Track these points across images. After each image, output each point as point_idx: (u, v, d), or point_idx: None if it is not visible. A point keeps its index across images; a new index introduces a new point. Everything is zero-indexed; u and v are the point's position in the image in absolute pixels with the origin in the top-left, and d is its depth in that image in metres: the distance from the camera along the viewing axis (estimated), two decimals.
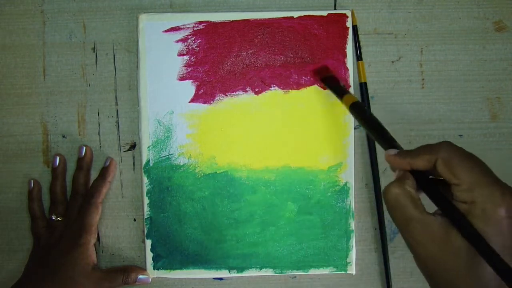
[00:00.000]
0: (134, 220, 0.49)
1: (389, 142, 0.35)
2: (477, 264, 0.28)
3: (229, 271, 0.48)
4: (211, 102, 0.47)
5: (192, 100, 0.47)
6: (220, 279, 0.49)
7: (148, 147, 0.47)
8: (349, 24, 0.47)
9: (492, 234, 0.27)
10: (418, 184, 0.32)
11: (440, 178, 0.31)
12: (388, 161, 0.33)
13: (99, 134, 0.49)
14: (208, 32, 0.47)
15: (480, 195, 0.28)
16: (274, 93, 0.47)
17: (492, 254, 0.26)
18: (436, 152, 0.30)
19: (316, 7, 0.49)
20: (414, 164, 0.31)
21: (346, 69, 0.47)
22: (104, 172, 0.47)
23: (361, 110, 0.40)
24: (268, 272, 0.48)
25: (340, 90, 0.44)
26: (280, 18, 0.47)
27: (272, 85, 0.47)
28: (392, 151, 0.33)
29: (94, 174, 0.49)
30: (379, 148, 0.49)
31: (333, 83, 0.46)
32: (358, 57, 0.48)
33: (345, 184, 0.48)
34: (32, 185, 0.47)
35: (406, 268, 0.50)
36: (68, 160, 0.49)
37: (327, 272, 0.48)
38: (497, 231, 0.27)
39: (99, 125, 0.49)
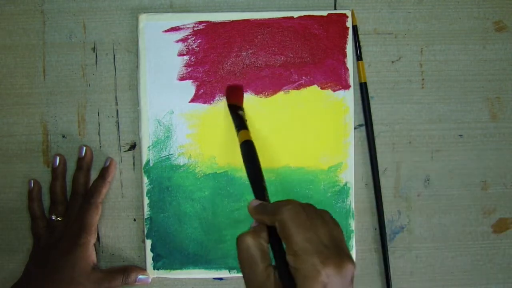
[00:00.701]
0: (134, 220, 0.49)
1: (260, 192, 0.37)
2: None
3: (229, 271, 0.48)
4: (211, 102, 0.47)
5: (192, 100, 0.47)
6: (220, 279, 0.49)
7: (148, 147, 0.47)
8: (349, 24, 0.47)
9: None
10: (269, 236, 0.33)
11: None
12: (249, 212, 0.35)
13: (99, 134, 0.49)
14: (208, 32, 0.47)
15: (303, 263, 0.29)
16: (274, 93, 0.47)
17: None
18: (277, 213, 0.32)
19: (316, 7, 0.49)
20: (263, 221, 0.33)
21: (346, 69, 0.47)
22: (104, 172, 0.47)
23: (250, 151, 0.40)
24: None
25: (239, 122, 0.44)
26: (280, 18, 0.47)
27: (272, 85, 0.47)
28: (254, 202, 0.35)
29: (94, 174, 0.49)
30: (379, 148, 0.49)
31: (236, 111, 0.45)
32: (358, 57, 0.48)
33: (345, 184, 0.48)
34: (32, 185, 0.47)
35: (406, 268, 0.50)
36: (68, 160, 0.49)
37: None
38: None
39: (99, 125, 0.49)
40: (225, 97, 0.47)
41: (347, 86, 0.47)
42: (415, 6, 0.49)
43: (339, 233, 0.32)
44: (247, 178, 0.47)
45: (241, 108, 0.47)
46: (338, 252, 0.30)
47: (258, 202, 0.36)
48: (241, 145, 0.41)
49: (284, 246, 0.32)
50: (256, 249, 0.32)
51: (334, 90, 0.47)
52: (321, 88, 0.47)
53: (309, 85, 0.47)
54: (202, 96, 0.47)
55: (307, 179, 0.48)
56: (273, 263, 0.32)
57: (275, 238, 0.33)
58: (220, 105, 0.47)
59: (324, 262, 0.29)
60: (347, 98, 0.47)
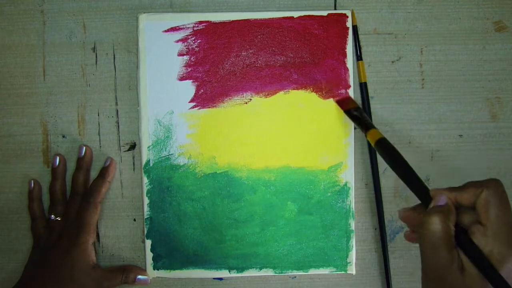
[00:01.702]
0: (134, 220, 0.49)
1: (423, 188, 0.35)
2: None
3: (229, 271, 0.48)
4: (211, 102, 0.47)
5: (192, 100, 0.47)
6: (220, 279, 0.49)
7: (148, 147, 0.47)
8: (349, 24, 0.47)
9: (509, 276, 0.29)
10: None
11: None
12: (436, 193, 0.34)
13: (99, 134, 0.49)
14: (208, 32, 0.47)
15: (500, 246, 0.29)
16: (274, 93, 0.47)
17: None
18: (486, 186, 0.31)
19: (316, 7, 0.49)
20: (460, 197, 0.32)
21: (346, 69, 0.47)
22: (103, 172, 0.47)
23: (388, 147, 0.38)
24: (268, 272, 0.48)
25: (364, 123, 0.43)
26: (280, 18, 0.47)
27: (272, 85, 0.47)
28: (440, 190, 0.34)
29: (94, 174, 0.49)
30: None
31: (355, 114, 0.45)
32: (358, 57, 0.48)
33: (345, 184, 0.48)
34: (32, 185, 0.47)
35: (406, 268, 0.50)
36: (68, 160, 0.49)
37: (327, 272, 0.48)
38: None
39: (99, 125, 0.49)
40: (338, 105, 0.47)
41: (347, 86, 0.47)
42: (415, 6, 0.49)
43: None
44: (247, 178, 0.47)
45: (356, 108, 0.45)
46: None
47: (441, 189, 0.34)
48: (376, 144, 0.39)
49: (478, 221, 0.31)
50: (443, 232, 0.31)
51: (334, 90, 0.47)
52: (321, 88, 0.47)
53: (309, 85, 0.47)
54: (202, 96, 0.47)
55: (307, 179, 0.48)
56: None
57: (463, 235, 0.32)
58: (220, 105, 0.47)
59: None
60: None
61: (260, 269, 0.48)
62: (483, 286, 0.30)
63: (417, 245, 0.50)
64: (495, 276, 0.29)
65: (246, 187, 0.47)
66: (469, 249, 0.31)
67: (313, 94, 0.47)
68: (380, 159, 0.49)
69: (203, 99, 0.47)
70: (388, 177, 0.49)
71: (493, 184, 0.32)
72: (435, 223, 0.32)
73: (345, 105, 0.47)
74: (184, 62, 0.47)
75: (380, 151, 0.39)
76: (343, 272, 0.48)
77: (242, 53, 0.47)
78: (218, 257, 0.48)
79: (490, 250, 0.30)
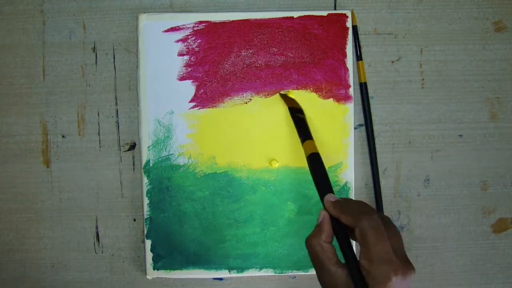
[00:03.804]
0: (134, 220, 0.49)
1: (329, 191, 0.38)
2: None
3: (229, 271, 0.48)
4: (211, 102, 0.47)
5: (192, 100, 0.47)
6: (220, 279, 0.49)
7: (148, 147, 0.47)
8: (349, 24, 0.47)
9: None
10: (337, 233, 0.35)
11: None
12: (326, 205, 0.37)
13: (99, 134, 0.49)
14: (208, 32, 0.47)
15: (377, 269, 0.32)
16: (274, 93, 0.47)
17: None
18: (360, 221, 0.34)
19: (316, 7, 0.49)
20: (340, 217, 0.35)
21: (346, 69, 0.47)
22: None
23: (318, 165, 0.40)
24: (268, 272, 0.48)
25: (303, 130, 0.44)
26: (280, 18, 0.47)
27: (272, 85, 0.47)
28: (332, 198, 0.37)
29: (92, 173, 0.48)
30: (379, 148, 0.49)
31: (299, 118, 0.45)
32: (358, 57, 0.48)
33: (345, 184, 0.48)
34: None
35: None
36: (68, 160, 0.49)
37: None
38: None
39: (99, 125, 0.49)
40: (283, 101, 0.47)
41: (347, 86, 0.47)
42: (415, 6, 0.49)
43: (401, 241, 0.35)
44: (247, 178, 0.47)
45: (301, 111, 0.46)
46: (405, 261, 0.33)
47: (335, 197, 0.37)
48: (308, 157, 0.41)
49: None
50: (321, 251, 0.35)
51: (334, 90, 0.47)
52: (321, 88, 0.47)
53: (309, 85, 0.47)
54: (202, 96, 0.47)
55: (307, 179, 0.48)
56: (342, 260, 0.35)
57: (345, 237, 0.35)
58: (220, 105, 0.47)
59: (395, 271, 0.32)
60: (347, 98, 0.47)
61: (260, 269, 0.48)
62: None
63: (417, 244, 0.50)
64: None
65: (246, 187, 0.47)
66: (350, 267, 0.34)
67: (313, 94, 0.47)
68: (380, 159, 0.49)
69: (203, 99, 0.47)
70: (388, 177, 0.49)
71: (368, 218, 0.34)
72: (312, 246, 0.35)
73: (290, 102, 0.47)
74: (184, 62, 0.47)
75: (309, 164, 0.41)
76: None
77: (242, 53, 0.47)
78: (218, 257, 0.48)
79: (371, 271, 0.32)
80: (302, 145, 0.43)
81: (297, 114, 0.46)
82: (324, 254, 0.35)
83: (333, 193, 0.38)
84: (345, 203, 0.36)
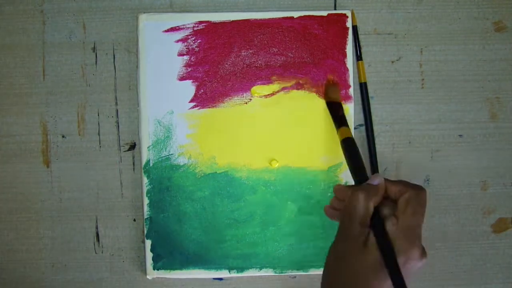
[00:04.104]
0: (134, 220, 0.49)
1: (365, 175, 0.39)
2: (381, 279, 0.33)
3: (229, 271, 0.48)
4: (211, 102, 0.47)
5: (192, 100, 0.47)
6: (220, 279, 0.49)
7: (148, 147, 0.47)
8: (349, 24, 0.47)
9: (400, 264, 0.33)
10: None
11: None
12: (373, 178, 0.38)
13: (99, 134, 0.49)
14: (208, 32, 0.47)
15: (403, 239, 0.34)
16: (274, 93, 0.47)
17: (397, 271, 0.33)
18: (412, 188, 0.35)
19: (316, 7, 0.49)
20: (390, 189, 0.36)
21: (346, 69, 0.47)
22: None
23: (352, 145, 0.42)
24: (268, 272, 0.48)
25: (339, 119, 0.45)
26: (280, 18, 0.47)
27: (271, 85, 0.47)
28: (380, 176, 0.38)
29: (92, 173, 0.49)
30: (379, 148, 0.49)
31: (335, 109, 0.46)
32: (358, 57, 0.48)
33: (345, 184, 0.48)
34: None
35: None
36: (68, 160, 0.49)
37: None
38: (404, 264, 0.33)
39: (99, 125, 0.49)
40: (324, 94, 0.47)
41: (347, 86, 0.47)
42: (415, 6, 0.49)
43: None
44: (247, 178, 0.47)
45: (340, 105, 0.47)
46: (423, 246, 0.34)
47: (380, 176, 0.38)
48: (342, 141, 0.42)
49: (393, 213, 0.35)
50: (363, 209, 0.35)
51: None
52: (321, 88, 0.47)
53: (309, 85, 0.47)
54: (202, 96, 0.47)
55: (307, 179, 0.48)
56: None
57: (378, 210, 0.36)
58: (220, 105, 0.47)
59: (418, 247, 0.34)
60: (347, 98, 0.47)
61: (260, 269, 0.48)
62: (377, 263, 0.33)
63: None
64: (391, 259, 0.33)
65: (246, 187, 0.47)
66: (379, 231, 0.34)
67: (313, 94, 0.47)
68: (380, 159, 0.49)
69: (203, 99, 0.47)
70: (388, 177, 0.49)
71: (418, 190, 0.36)
72: (358, 199, 0.35)
73: (331, 95, 0.47)
74: (184, 62, 0.47)
75: (343, 148, 0.42)
76: None
77: (242, 53, 0.47)
78: (218, 257, 0.48)
79: (395, 239, 0.34)
80: (337, 131, 0.44)
81: (335, 106, 0.46)
82: (364, 213, 0.35)
83: (367, 175, 0.39)
84: (391, 180, 0.37)
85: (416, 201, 0.35)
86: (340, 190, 0.39)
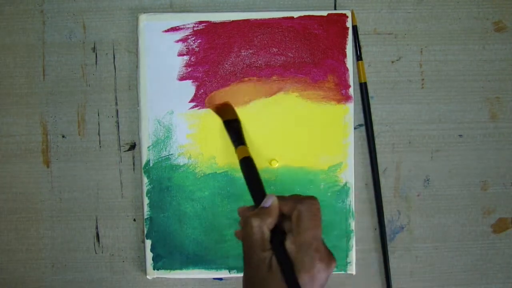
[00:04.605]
0: (134, 220, 0.49)
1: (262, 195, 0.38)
2: None
3: (229, 271, 0.48)
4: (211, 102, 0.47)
5: (192, 100, 0.47)
6: (220, 279, 0.49)
7: (148, 147, 0.47)
8: (349, 24, 0.47)
9: (305, 283, 0.33)
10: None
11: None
12: (265, 200, 0.37)
13: (99, 134, 0.49)
14: (208, 32, 0.47)
15: (304, 255, 0.33)
16: (274, 93, 0.47)
17: None
18: (301, 203, 0.35)
19: (316, 7, 0.49)
20: (282, 207, 0.36)
21: (346, 69, 0.47)
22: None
23: (250, 165, 0.41)
24: None
25: (236, 138, 0.44)
26: (280, 18, 0.47)
27: (271, 85, 0.47)
28: (272, 196, 0.37)
29: (92, 173, 0.49)
30: (379, 148, 0.49)
31: (234, 127, 0.45)
32: (358, 57, 0.48)
33: (345, 184, 0.48)
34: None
35: (406, 268, 0.50)
36: (68, 160, 0.49)
37: None
38: (310, 285, 0.33)
39: (99, 125, 0.49)
40: (217, 115, 0.47)
41: (347, 86, 0.47)
42: (415, 6, 0.49)
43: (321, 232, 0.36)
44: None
45: (237, 121, 0.46)
46: (328, 252, 0.35)
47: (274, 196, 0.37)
48: (241, 161, 0.41)
49: (289, 230, 0.35)
50: (258, 234, 0.35)
51: (334, 90, 0.47)
52: (321, 88, 0.47)
53: (309, 85, 0.47)
54: (202, 96, 0.47)
55: (307, 179, 0.48)
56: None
57: (278, 228, 0.36)
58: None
59: (321, 259, 0.33)
60: (347, 98, 0.47)
61: None
62: (282, 286, 0.33)
63: (418, 244, 0.50)
64: (292, 281, 0.33)
65: (246, 187, 0.47)
66: (278, 252, 0.34)
67: (313, 94, 0.47)
68: (380, 159, 0.49)
69: (203, 99, 0.47)
70: (388, 177, 0.49)
71: (309, 202, 0.35)
72: (252, 226, 0.35)
73: (225, 114, 0.46)
74: (184, 62, 0.47)
75: (242, 168, 0.41)
76: (343, 272, 0.48)
77: (242, 53, 0.47)
78: (218, 257, 0.48)
79: (296, 257, 0.33)
80: (236, 150, 0.43)
81: (231, 123, 0.46)
82: (261, 236, 0.35)
83: (264, 195, 0.38)
84: (284, 196, 0.37)
85: (309, 214, 0.34)
86: (240, 213, 0.39)
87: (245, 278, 0.36)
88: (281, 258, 0.34)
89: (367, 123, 0.48)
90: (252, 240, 0.35)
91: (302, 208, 0.35)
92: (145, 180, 0.47)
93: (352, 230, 0.48)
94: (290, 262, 0.33)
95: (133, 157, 0.49)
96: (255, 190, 0.39)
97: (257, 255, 0.34)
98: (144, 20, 0.47)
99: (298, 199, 0.36)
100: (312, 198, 0.36)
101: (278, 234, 0.35)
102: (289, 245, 0.34)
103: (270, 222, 0.35)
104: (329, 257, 0.34)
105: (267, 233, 0.35)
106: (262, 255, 0.34)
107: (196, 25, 0.47)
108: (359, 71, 0.48)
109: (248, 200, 0.47)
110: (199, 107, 0.47)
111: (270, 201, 0.36)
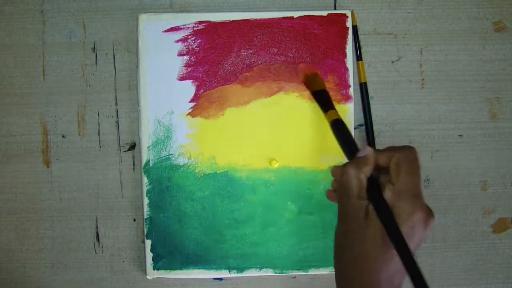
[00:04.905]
0: (134, 220, 0.49)
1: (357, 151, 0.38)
2: (387, 249, 0.33)
3: (229, 271, 0.48)
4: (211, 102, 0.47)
5: (192, 100, 0.47)
6: (220, 279, 0.49)
7: (148, 147, 0.47)
8: (349, 24, 0.47)
9: (405, 231, 0.32)
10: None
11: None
12: (364, 150, 0.37)
13: (99, 134, 0.49)
14: (208, 32, 0.47)
15: (403, 202, 0.33)
16: (274, 93, 0.47)
17: (401, 238, 0.31)
18: (401, 151, 0.35)
19: (316, 7, 0.49)
20: (379, 158, 0.36)
21: (346, 69, 0.47)
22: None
23: (341, 126, 0.42)
24: (268, 272, 0.48)
25: (325, 104, 0.45)
26: (280, 18, 0.47)
27: (272, 85, 0.47)
28: (367, 147, 0.37)
29: (92, 173, 0.49)
30: (379, 148, 0.49)
31: (322, 96, 0.46)
32: (358, 57, 0.48)
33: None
34: None
35: None
36: (68, 160, 0.49)
37: (327, 272, 0.48)
38: (408, 234, 0.33)
39: (99, 125, 0.49)
40: (307, 86, 0.47)
41: (347, 86, 0.47)
42: (415, 6, 0.49)
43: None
44: (247, 178, 0.47)
45: (325, 90, 0.46)
46: (427, 206, 0.34)
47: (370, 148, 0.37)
48: (331, 123, 0.42)
49: (389, 180, 0.35)
50: (356, 182, 0.35)
51: (334, 90, 0.47)
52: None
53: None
54: (202, 96, 0.47)
55: (307, 179, 0.48)
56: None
57: (376, 177, 0.36)
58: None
59: (421, 207, 0.33)
60: (347, 98, 0.47)
61: (260, 269, 0.48)
62: (381, 234, 0.33)
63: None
64: (392, 227, 0.32)
65: (246, 187, 0.47)
66: (376, 200, 0.34)
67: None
68: None
69: (203, 99, 0.47)
70: None
71: (406, 150, 0.35)
72: (349, 174, 0.35)
73: (314, 85, 0.47)
74: (184, 62, 0.47)
75: (333, 130, 0.42)
76: None
77: (242, 53, 0.47)
78: (218, 257, 0.48)
79: (395, 205, 0.33)
80: (325, 115, 0.44)
81: (319, 93, 0.46)
82: (357, 186, 0.35)
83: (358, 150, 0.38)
84: (380, 149, 0.37)
85: (407, 161, 0.34)
86: (334, 170, 0.39)
87: (340, 231, 0.36)
88: (379, 205, 0.33)
89: (367, 123, 0.48)
90: (349, 187, 0.35)
91: (399, 155, 0.34)
92: (145, 180, 0.47)
93: None
94: (389, 209, 0.33)
95: (133, 157, 0.49)
96: (349, 147, 0.39)
97: (353, 204, 0.34)
98: (144, 20, 0.47)
99: (394, 148, 0.36)
100: (409, 147, 0.36)
101: (375, 183, 0.35)
102: (387, 193, 0.34)
103: (367, 170, 0.35)
104: (428, 210, 0.33)
105: (364, 181, 0.35)
106: (360, 203, 0.34)
107: (196, 25, 0.47)
108: (359, 71, 0.48)
109: (248, 200, 0.47)
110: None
111: (366, 151, 0.36)
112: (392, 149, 0.36)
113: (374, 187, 0.35)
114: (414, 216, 0.32)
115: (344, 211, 0.36)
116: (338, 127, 0.42)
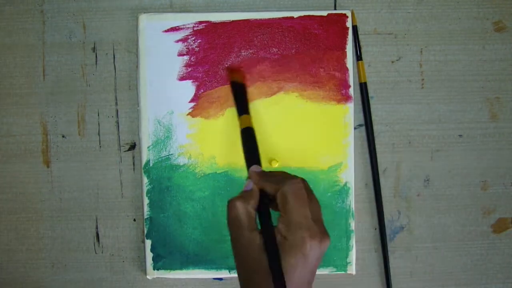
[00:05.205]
0: (134, 220, 0.49)
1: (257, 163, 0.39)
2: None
3: (229, 271, 0.48)
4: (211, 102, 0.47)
5: (192, 100, 0.47)
6: (220, 279, 0.49)
7: (148, 147, 0.47)
8: (349, 24, 0.47)
9: (296, 265, 0.32)
10: (260, 203, 0.36)
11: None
12: (250, 176, 0.38)
13: (99, 134, 0.49)
14: (208, 32, 0.47)
15: (294, 234, 0.33)
16: (274, 93, 0.47)
17: (279, 274, 0.32)
18: (283, 185, 0.35)
19: (316, 7, 0.49)
20: (265, 186, 0.36)
21: (346, 69, 0.47)
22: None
23: (251, 137, 0.41)
24: None
25: (241, 105, 0.45)
26: (280, 18, 0.47)
27: (272, 85, 0.47)
28: (256, 168, 0.38)
29: (92, 173, 0.49)
30: (379, 148, 0.49)
31: (239, 92, 0.46)
32: (358, 57, 0.48)
33: (345, 184, 0.48)
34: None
35: (406, 268, 0.50)
36: (68, 160, 0.49)
37: (327, 272, 0.48)
38: (302, 263, 0.32)
39: (99, 125, 0.49)
40: (227, 77, 0.47)
41: (347, 86, 0.47)
42: (415, 6, 0.49)
43: (319, 210, 0.35)
44: (247, 178, 0.47)
45: (244, 86, 0.46)
46: (321, 229, 0.34)
47: (260, 168, 0.38)
48: (241, 131, 0.42)
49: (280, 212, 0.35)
50: (244, 215, 0.35)
51: (334, 90, 0.47)
52: (321, 88, 0.47)
53: (309, 85, 0.47)
54: (202, 96, 0.47)
55: (307, 179, 0.47)
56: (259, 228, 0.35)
57: (265, 206, 0.36)
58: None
59: (312, 236, 0.33)
60: (347, 98, 0.47)
61: None
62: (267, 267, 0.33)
63: (418, 244, 0.50)
64: (275, 262, 0.32)
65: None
66: (265, 233, 0.34)
67: (313, 94, 0.47)
68: (380, 159, 0.49)
69: (203, 99, 0.47)
70: (388, 177, 0.49)
71: (292, 184, 0.35)
72: (238, 207, 0.35)
73: (234, 76, 0.46)
74: (184, 62, 0.47)
75: (242, 138, 0.42)
76: (343, 272, 0.48)
77: (242, 53, 0.47)
78: (218, 257, 0.48)
79: (287, 237, 0.33)
80: (239, 118, 0.43)
81: (239, 88, 0.46)
82: (247, 218, 0.35)
83: (260, 166, 0.39)
84: (269, 173, 0.37)
85: (293, 195, 0.34)
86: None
87: (237, 264, 0.36)
88: (267, 237, 0.33)
89: (367, 123, 0.48)
90: (239, 220, 0.35)
91: (284, 189, 0.34)
92: (145, 180, 0.47)
93: (352, 230, 0.48)
94: (275, 245, 0.33)
95: (133, 157, 0.49)
96: (250, 161, 0.39)
97: (246, 236, 0.34)
98: (144, 20, 0.47)
99: (281, 179, 0.36)
100: (296, 178, 0.35)
101: (266, 214, 0.35)
102: (279, 225, 0.34)
103: (253, 203, 0.35)
104: (322, 234, 0.34)
105: (253, 213, 0.35)
106: (251, 235, 0.34)
107: (196, 25, 0.47)
108: (359, 71, 0.48)
109: None
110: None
111: (250, 186, 0.37)
112: (279, 180, 0.36)
113: (265, 219, 0.35)
114: (305, 248, 0.32)
115: (237, 243, 0.35)
116: (248, 137, 0.41)
